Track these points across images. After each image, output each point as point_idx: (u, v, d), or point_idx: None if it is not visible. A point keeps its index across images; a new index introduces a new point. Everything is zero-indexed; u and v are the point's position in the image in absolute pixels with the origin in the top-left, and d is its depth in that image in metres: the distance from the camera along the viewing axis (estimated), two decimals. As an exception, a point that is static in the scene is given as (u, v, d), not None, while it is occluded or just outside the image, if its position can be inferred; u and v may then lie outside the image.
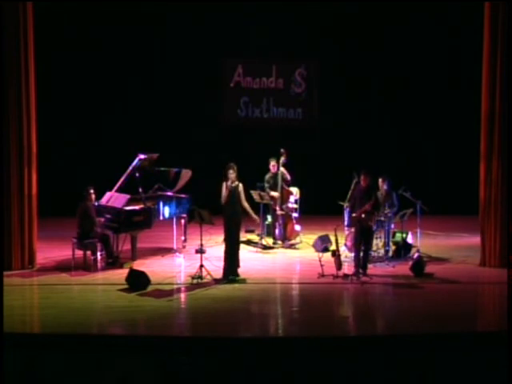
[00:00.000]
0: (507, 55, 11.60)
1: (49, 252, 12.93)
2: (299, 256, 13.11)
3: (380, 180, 12.68)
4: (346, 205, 12.41)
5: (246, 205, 11.45)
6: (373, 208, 11.41)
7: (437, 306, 10.06)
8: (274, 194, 13.68)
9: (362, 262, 11.41)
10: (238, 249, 11.45)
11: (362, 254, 11.44)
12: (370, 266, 11.67)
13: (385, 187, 12.67)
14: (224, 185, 11.30)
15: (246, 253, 12.97)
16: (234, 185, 11.27)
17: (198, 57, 16.56)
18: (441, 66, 16.60)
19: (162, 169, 13.15)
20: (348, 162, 14.08)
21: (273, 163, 13.74)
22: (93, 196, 12.05)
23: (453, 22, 16.14)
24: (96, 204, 12.18)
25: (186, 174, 13.24)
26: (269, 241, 13.81)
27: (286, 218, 13.77)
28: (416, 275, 11.53)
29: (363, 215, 11.33)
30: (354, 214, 11.51)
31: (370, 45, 16.61)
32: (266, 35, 16.55)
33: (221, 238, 12.22)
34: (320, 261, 11.36)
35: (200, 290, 10.77)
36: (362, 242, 11.42)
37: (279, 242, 13.79)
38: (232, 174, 11.26)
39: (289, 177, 13.83)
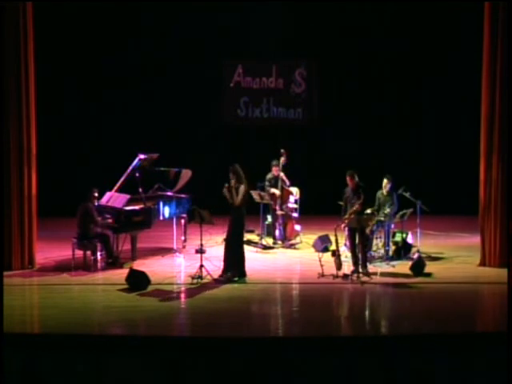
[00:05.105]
0: (507, 55, 11.60)
1: (49, 252, 12.93)
2: (299, 256, 13.11)
3: (385, 180, 12.65)
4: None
5: (238, 198, 11.31)
6: (362, 206, 11.38)
7: (437, 306, 10.05)
8: (275, 191, 13.69)
9: (361, 262, 11.43)
10: (241, 251, 11.44)
11: (360, 253, 11.49)
12: (369, 266, 11.67)
13: (388, 187, 12.66)
14: (225, 187, 11.29)
15: (246, 253, 12.95)
16: (236, 186, 11.26)
17: (198, 57, 16.57)
18: (441, 66, 16.59)
19: (162, 169, 13.15)
20: (348, 162, 14.07)
21: (276, 167, 13.73)
22: (95, 197, 12.05)
23: (453, 21, 16.14)
24: (96, 204, 12.18)
25: (186, 174, 13.24)
26: (269, 241, 13.81)
27: (286, 218, 13.78)
28: (416, 275, 11.53)
29: (352, 216, 11.33)
30: (345, 216, 11.48)
31: (370, 45, 16.62)
32: (266, 35, 16.56)
33: (221, 237, 12.24)
34: (320, 261, 11.36)
35: (200, 290, 10.76)
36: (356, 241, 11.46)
37: (279, 241, 13.79)
38: (231, 176, 11.26)
39: (288, 182, 13.85)
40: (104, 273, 11.77)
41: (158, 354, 8.46)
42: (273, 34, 16.54)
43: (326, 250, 12.51)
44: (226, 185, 11.25)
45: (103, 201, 12.40)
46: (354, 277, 11.31)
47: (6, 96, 11.54)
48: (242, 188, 11.26)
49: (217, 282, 11.14)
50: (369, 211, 11.85)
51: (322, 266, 11.30)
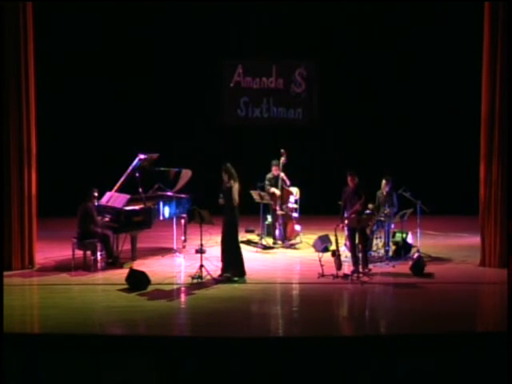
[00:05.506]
0: (507, 55, 11.60)
1: (49, 252, 12.93)
2: (299, 256, 13.11)
3: (384, 181, 12.65)
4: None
5: (235, 198, 11.29)
6: (363, 206, 11.39)
7: (437, 306, 10.05)
8: (275, 190, 13.68)
9: (362, 262, 11.43)
10: (238, 251, 11.44)
11: (360, 253, 11.49)
12: (369, 266, 11.67)
13: (387, 189, 12.65)
14: (220, 198, 11.33)
15: (246, 253, 12.94)
16: (228, 186, 11.25)
17: (198, 57, 16.57)
18: (441, 66, 16.59)
19: (162, 169, 13.15)
20: (348, 162, 14.10)
21: (276, 167, 13.73)
22: (95, 197, 12.05)
23: (453, 21, 16.14)
24: (96, 204, 12.18)
25: (186, 174, 13.24)
26: (269, 241, 13.81)
27: (286, 218, 13.78)
28: (416, 275, 11.53)
29: (353, 215, 11.34)
30: (345, 215, 11.48)
31: (370, 45, 16.63)
32: (266, 35, 16.56)
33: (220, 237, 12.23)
34: (320, 261, 11.36)
35: (200, 290, 10.76)
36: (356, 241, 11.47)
37: (279, 241, 13.79)
38: (223, 175, 11.26)
39: (288, 182, 13.85)
40: (104, 273, 11.77)
41: (158, 353, 8.46)
42: (273, 34, 16.55)
43: (326, 250, 12.52)
44: (221, 195, 11.27)
45: (103, 201, 12.40)
46: (354, 277, 11.31)
47: (5, 96, 11.54)
48: (236, 186, 11.25)
49: (217, 281, 11.14)
50: (371, 206, 11.87)
51: (322, 265, 11.30)
